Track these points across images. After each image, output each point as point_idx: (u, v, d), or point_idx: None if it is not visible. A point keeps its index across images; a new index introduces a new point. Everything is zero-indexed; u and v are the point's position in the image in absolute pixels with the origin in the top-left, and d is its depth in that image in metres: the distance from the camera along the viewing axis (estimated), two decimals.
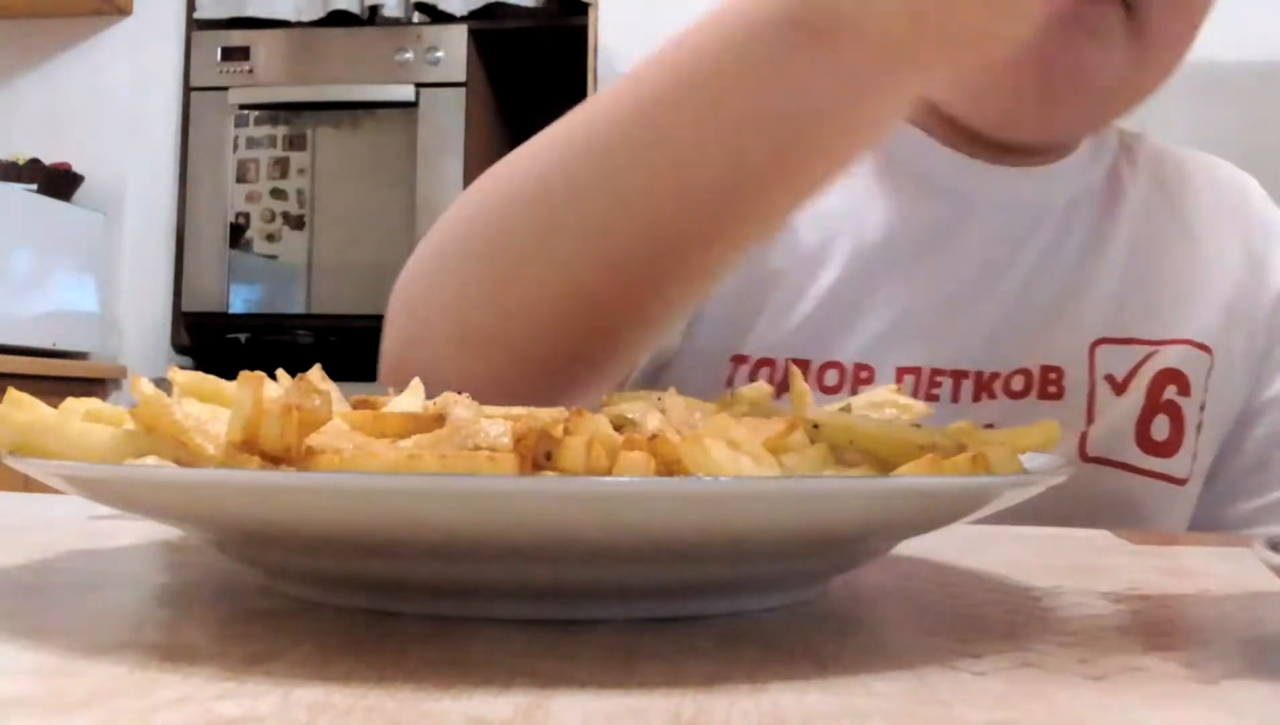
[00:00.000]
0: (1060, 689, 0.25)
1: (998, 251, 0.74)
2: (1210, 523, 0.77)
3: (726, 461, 0.29)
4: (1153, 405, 0.72)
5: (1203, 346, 0.74)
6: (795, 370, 0.44)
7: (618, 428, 0.31)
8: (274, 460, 0.30)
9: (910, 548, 0.43)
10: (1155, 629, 0.31)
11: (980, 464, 0.31)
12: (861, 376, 0.70)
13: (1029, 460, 0.36)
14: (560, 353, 0.52)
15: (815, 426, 0.33)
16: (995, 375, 0.71)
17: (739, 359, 0.72)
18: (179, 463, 0.31)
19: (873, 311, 0.72)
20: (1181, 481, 0.73)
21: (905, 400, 0.39)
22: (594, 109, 0.49)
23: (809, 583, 0.34)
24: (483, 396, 0.35)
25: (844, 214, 0.73)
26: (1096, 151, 0.78)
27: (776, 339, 0.71)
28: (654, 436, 0.29)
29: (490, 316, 0.52)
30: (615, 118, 0.48)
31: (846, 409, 0.37)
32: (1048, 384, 0.71)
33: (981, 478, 0.31)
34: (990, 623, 0.32)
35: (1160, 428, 0.72)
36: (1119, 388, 0.72)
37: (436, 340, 0.54)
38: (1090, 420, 0.71)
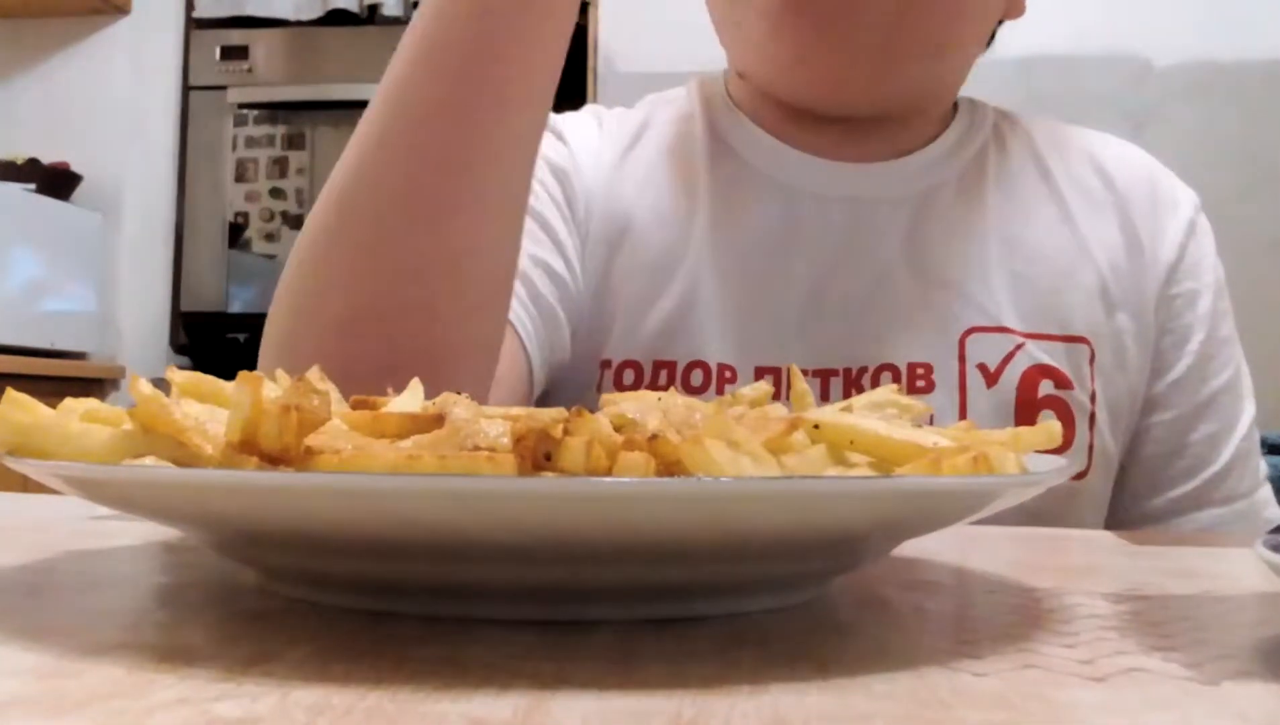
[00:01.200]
0: (1061, 690, 0.25)
1: (849, 247, 0.74)
2: (1134, 515, 0.76)
3: (726, 462, 0.29)
4: (1030, 403, 0.71)
5: (1077, 338, 0.73)
6: (794, 368, 0.44)
7: (617, 428, 0.31)
8: (273, 461, 0.30)
9: (911, 548, 0.43)
10: (1156, 630, 0.31)
11: (981, 464, 0.31)
12: (726, 376, 0.71)
13: (1030, 460, 0.36)
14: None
15: (815, 427, 0.33)
16: (863, 371, 0.71)
17: (604, 363, 0.73)
18: (177, 463, 0.31)
19: (727, 313, 0.73)
20: (1079, 475, 0.72)
21: (906, 400, 0.39)
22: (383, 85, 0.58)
23: (809, 584, 0.34)
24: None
25: (690, 217, 0.75)
26: (961, 141, 0.78)
27: (636, 342, 0.73)
28: (654, 437, 0.29)
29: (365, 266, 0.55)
30: (398, 56, 0.56)
31: (847, 409, 0.37)
32: (915, 379, 0.71)
33: (982, 478, 0.31)
34: (991, 624, 0.32)
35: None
36: (990, 378, 0.71)
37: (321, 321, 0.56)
38: (963, 416, 0.70)
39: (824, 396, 0.70)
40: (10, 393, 0.34)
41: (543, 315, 0.70)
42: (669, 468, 0.29)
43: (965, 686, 0.25)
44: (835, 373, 0.71)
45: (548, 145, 0.77)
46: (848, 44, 0.70)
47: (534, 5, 0.54)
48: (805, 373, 0.70)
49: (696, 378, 0.71)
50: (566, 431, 0.29)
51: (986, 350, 0.72)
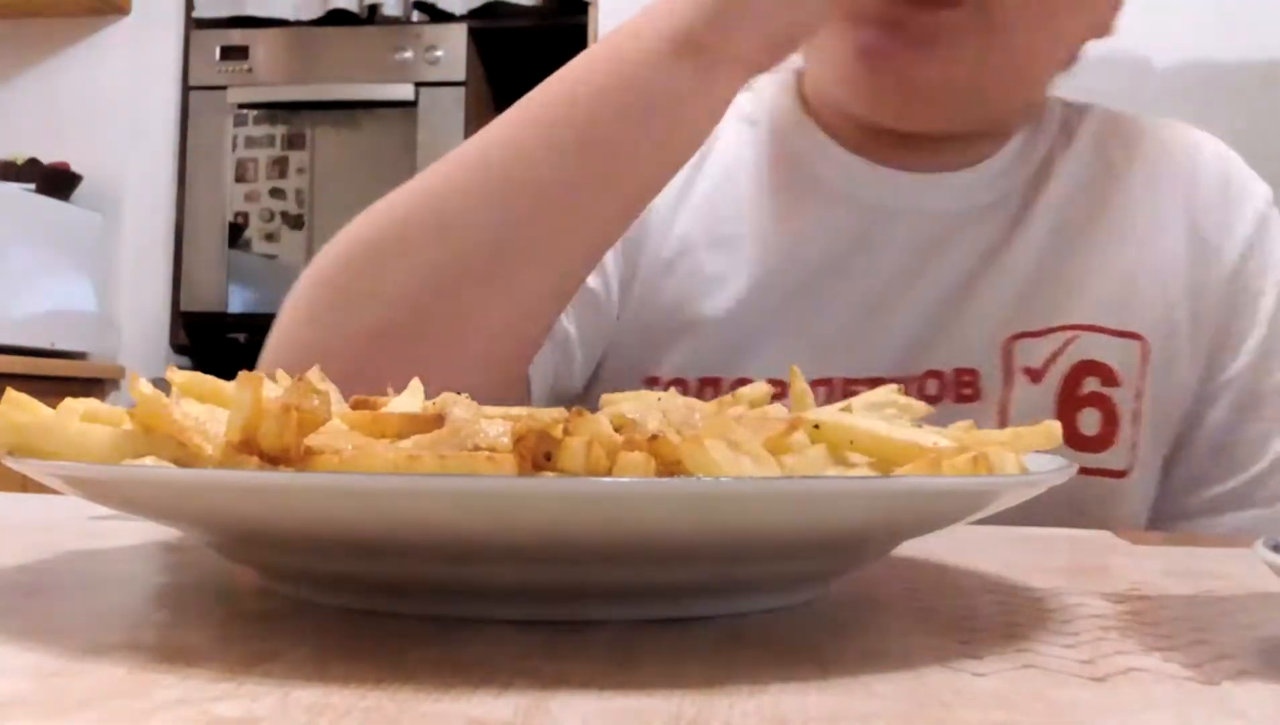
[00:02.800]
0: (1061, 690, 0.25)
1: (911, 260, 0.73)
2: (1174, 511, 0.75)
3: (727, 462, 0.29)
4: (1071, 399, 0.70)
5: (1132, 334, 0.71)
6: (795, 368, 0.44)
7: (617, 428, 0.31)
8: (272, 460, 0.29)
9: (911, 548, 0.43)
10: (1156, 630, 0.31)
11: (981, 464, 0.31)
12: (774, 392, 0.71)
13: (1030, 460, 0.36)
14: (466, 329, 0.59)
15: (816, 427, 0.33)
16: (910, 379, 0.70)
17: (651, 381, 0.73)
18: (177, 463, 0.31)
19: (780, 329, 0.72)
20: (1120, 474, 0.71)
21: (906, 400, 0.39)
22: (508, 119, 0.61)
23: (809, 584, 0.34)
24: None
25: (746, 237, 0.74)
26: (1029, 145, 0.77)
27: (686, 360, 0.73)
28: (654, 437, 0.29)
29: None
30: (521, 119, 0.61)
31: (847, 409, 0.37)
32: (962, 387, 0.70)
33: (983, 478, 0.31)
34: (991, 623, 0.32)
35: (1089, 422, 0.71)
36: (1035, 375, 0.70)
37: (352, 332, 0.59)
38: (1003, 421, 0.69)
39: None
40: (10, 393, 0.34)
41: (554, 344, 0.70)
42: (669, 468, 0.29)
43: (965, 686, 0.25)
44: (882, 382, 0.71)
45: None
46: (926, 89, 0.69)
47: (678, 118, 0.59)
48: (857, 381, 0.69)
49: None
50: (566, 431, 0.29)
51: (1033, 353, 0.71)
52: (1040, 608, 0.34)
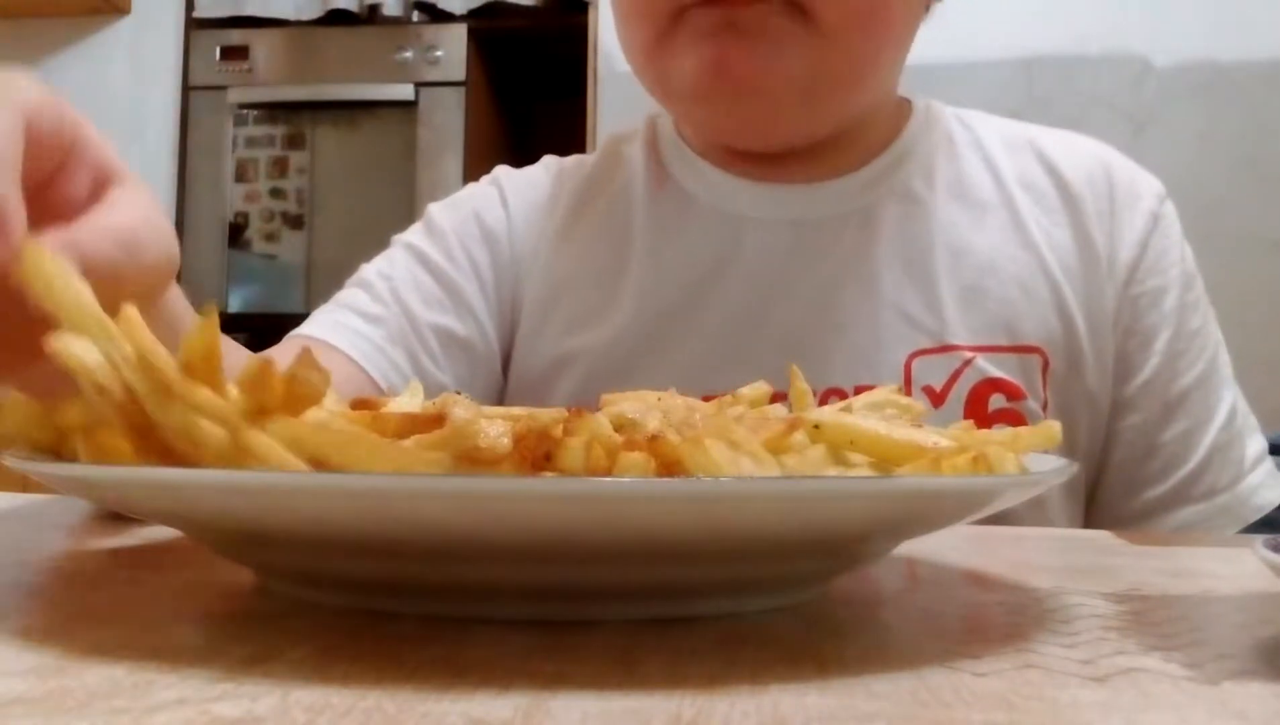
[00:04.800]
0: (1061, 690, 0.25)
1: (788, 269, 0.73)
2: (1112, 519, 0.75)
3: (727, 462, 0.29)
4: (980, 419, 0.69)
5: (1029, 348, 0.71)
6: (795, 368, 0.44)
7: (617, 428, 0.31)
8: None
9: (911, 548, 0.43)
10: (1157, 630, 0.31)
11: (981, 464, 0.31)
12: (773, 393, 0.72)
13: (1029, 461, 0.36)
14: None
15: (815, 427, 0.33)
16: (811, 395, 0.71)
17: None
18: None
19: (668, 349, 0.73)
20: None
21: (905, 401, 0.39)
22: None
23: (810, 584, 0.34)
24: None
25: (631, 264, 0.76)
26: (907, 151, 0.77)
27: (576, 391, 0.74)
28: (654, 437, 0.29)
29: None
30: None
31: (847, 409, 0.37)
32: None
33: (982, 478, 0.31)
34: (991, 624, 0.32)
35: None
36: (937, 398, 0.70)
37: None
38: None
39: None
40: (11, 393, 0.34)
41: (427, 392, 0.71)
42: (669, 468, 0.29)
43: (966, 686, 0.25)
44: (783, 397, 0.71)
45: (486, 206, 0.81)
46: (767, 99, 0.70)
47: None
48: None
49: None
50: (566, 431, 0.29)
51: (932, 371, 0.70)
52: (1040, 608, 0.34)
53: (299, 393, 0.29)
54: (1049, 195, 0.76)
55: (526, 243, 0.80)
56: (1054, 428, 0.36)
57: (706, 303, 0.74)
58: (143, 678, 0.24)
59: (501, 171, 0.86)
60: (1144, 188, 0.77)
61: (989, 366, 0.71)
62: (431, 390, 0.69)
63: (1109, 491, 0.75)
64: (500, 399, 0.79)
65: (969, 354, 0.70)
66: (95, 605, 0.33)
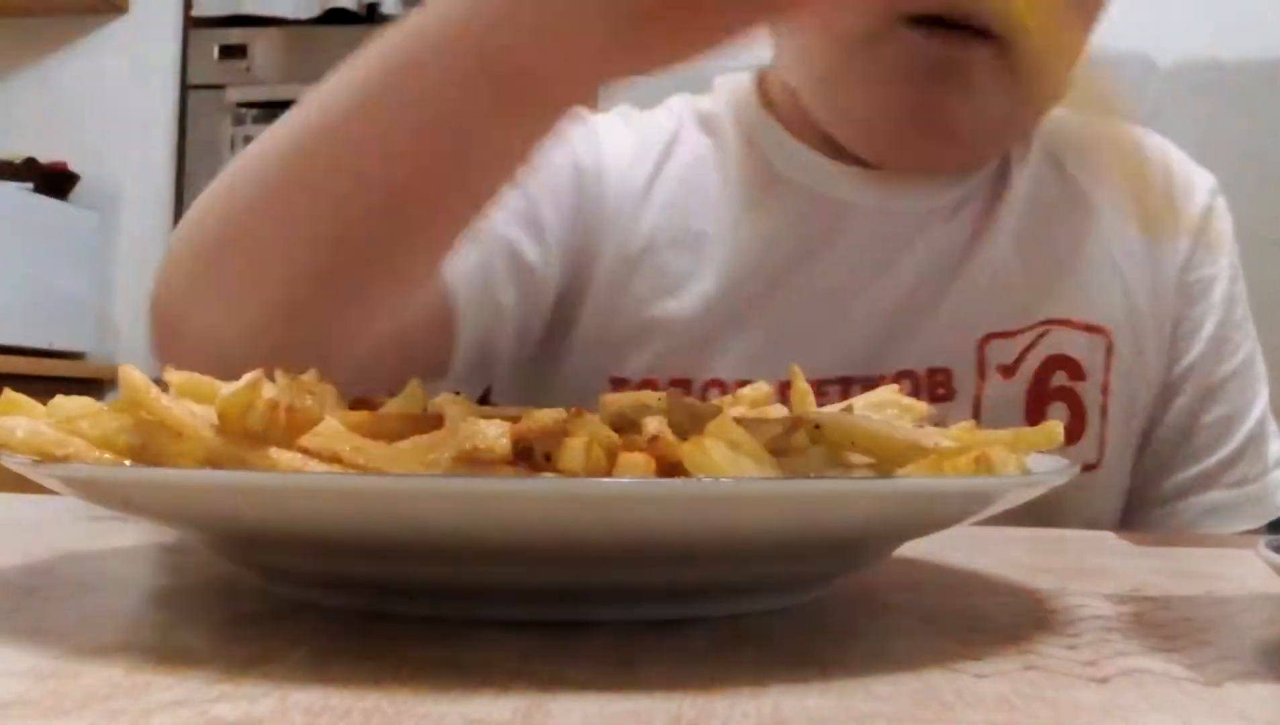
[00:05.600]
0: (1063, 691, 0.25)
1: (876, 256, 0.73)
2: (1143, 499, 0.76)
3: (727, 462, 0.29)
4: (1041, 392, 0.71)
5: (1095, 328, 0.72)
6: (795, 368, 0.44)
7: (617, 429, 0.31)
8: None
9: (912, 549, 0.43)
10: (1159, 631, 0.31)
11: (982, 465, 0.31)
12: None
13: (1030, 461, 0.36)
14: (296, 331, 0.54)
15: (816, 427, 0.33)
16: (880, 378, 0.70)
17: (618, 382, 0.72)
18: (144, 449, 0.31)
19: (749, 326, 0.72)
20: (1090, 467, 0.72)
21: (907, 401, 0.39)
22: (296, 116, 0.53)
23: (810, 585, 0.34)
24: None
25: (713, 236, 0.73)
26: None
27: (650, 361, 0.72)
28: (654, 437, 0.29)
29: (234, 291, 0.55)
30: (308, 126, 0.52)
31: (848, 410, 0.37)
32: (936, 386, 0.71)
33: (984, 479, 0.31)
34: (993, 625, 0.32)
35: (1058, 416, 0.71)
36: (1008, 371, 0.71)
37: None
38: (975, 417, 0.69)
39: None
40: (8, 393, 0.34)
41: (483, 304, 0.68)
42: (669, 468, 0.29)
43: (967, 688, 0.25)
44: (852, 381, 0.70)
45: (582, 144, 0.75)
46: (967, 143, 0.70)
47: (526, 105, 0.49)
48: (829, 381, 0.69)
49: (714, 396, 0.70)
50: (566, 432, 0.29)
51: (1006, 351, 0.71)
52: (1042, 609, 0.34)
53: (298, 420, 0.29)
54: (1114, 184, 0.76)
55: (611, 187, 0.75)
56: (1055, 428, 0.36)
57: (791, 283, 0.73)
58: (141, 679, 0.24)
59: (593, 116, 0.80)
60: (1198, 180, 0.79)
61: (1060, 342, 0.72)
62: (490, 305, 0.68)
63: (1144, 472, 0.76)
64: (556, 349, 0.74)
65: (1043, 327, 0.71)
66: (94, 605, 0.33)
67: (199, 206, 0.57)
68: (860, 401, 0.39)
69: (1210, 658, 0.28)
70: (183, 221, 0.59)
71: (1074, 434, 0.71)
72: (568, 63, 0.47)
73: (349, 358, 0.54)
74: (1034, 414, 0.71)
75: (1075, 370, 0.72)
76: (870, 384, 0.69)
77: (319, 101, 0.51)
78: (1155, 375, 0.75)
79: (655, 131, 0.79)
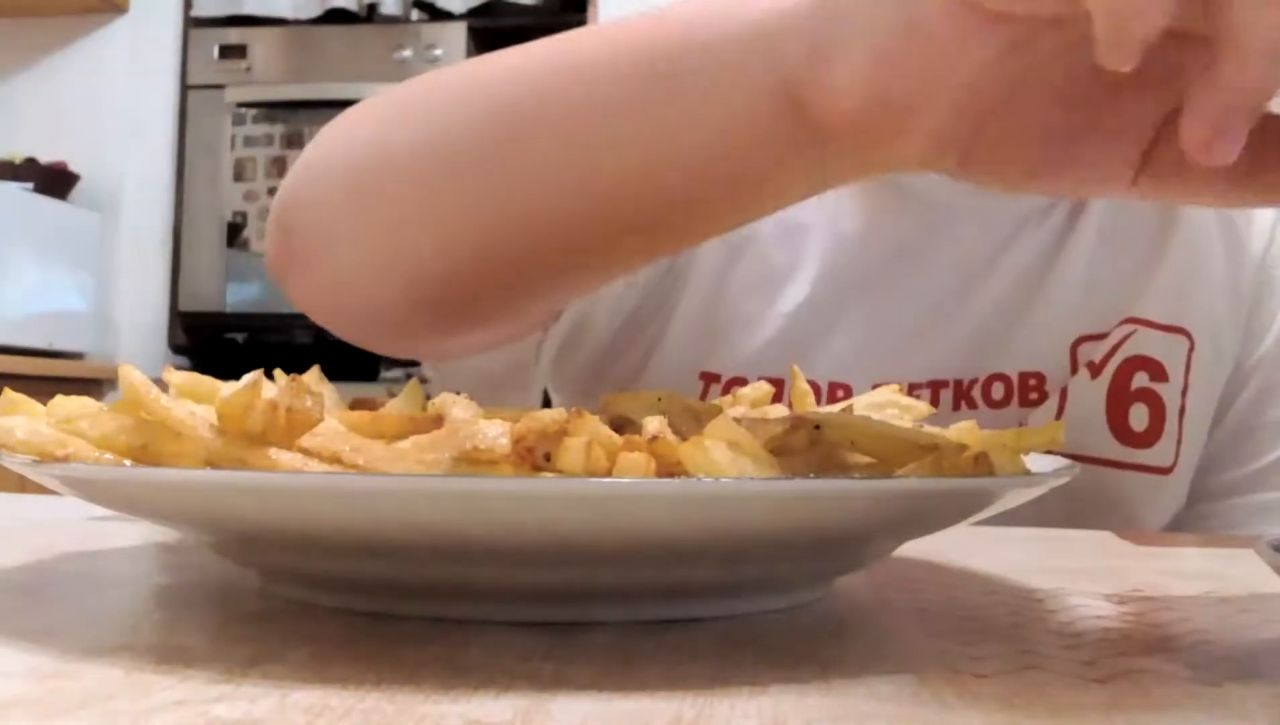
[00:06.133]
0: (1063, 691, 0.25)
1: (975, 259, 0.72)
2: (1197, 493, 0.74)
3: (727, 463, 0.29)
4: (1123, 393, 0.70)
5: (1178, 329, 0.71)
6: (795, 368, 0.44)
7: (617, 429, 0.31)
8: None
9: (912, 549, 0.43)
10: (1159, 631, 0.31)
11: (982, 465, 0.31)
12: (837, 395, 0.69)
13: (1032, 461, 0.36)
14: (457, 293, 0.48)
15: (816, 427, 0.33)
16: (974, 382, 0.69)
17: (709, 377, 0.70)
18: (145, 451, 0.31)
19: (846, 326, 0.70)
20: (1165, 471, 0.71)
21: (907, 401, 0.39)
22: (534, 68, 0.45)
23: (810, 585, 0.34)
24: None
25: (814, 228, 0.72)
26: None
27: (747, 357, 0.70)
28: (654, 437, 0.29)
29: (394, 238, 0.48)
30: (546, 89, 0.43)
31: (848, 410, 0.37)
32: (1028, 390, 0.70)
33: (984, 478, 0.31)
34: (993, 625, 0.32)
35: (1139, 417, 0.70)
36: (1095, 369, 0.70)
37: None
38: (1059, 416, 0.69)
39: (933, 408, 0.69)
40: (8, 393, 0.34)
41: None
42: (669, 468, 0.29)
43: (967, 687, 0.25)
44: (945, 384, 0.70)
45: None
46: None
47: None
48: (919, 384, 0.68)
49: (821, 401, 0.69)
50: (566, 432, 0.29)
51: (1095, 353, 0.70)
52: (1042, 609, 0.34)
53: (297, 421, 0.29)
54: None
55: None
56: (1058, 428, 0.36)
57: (888, 284, 0.71)
58: (141, 678, 0.24)
59: None
60: None
61: (1143, 343, 0.70)
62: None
63: (1200, 465, 0.74)
64: (650, 351, 0.71)
65: (1129, 327, 0.70)
66: (94, 605, 0.33)
67: (366, 124, 0.50)
68: (860, 401, 0.39)
69: (1210, 658, 0.28)
70: (333, 133, 0.51)
71: (1153, 436, 0.70)
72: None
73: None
74: (1115, 415, 0.70)
75: (1157, 371, 0.70)
76: (962, 389, 0.69)
77: (554, 60, 0.44)
78: (1228, 373, 0.74)
79: None
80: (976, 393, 0.69)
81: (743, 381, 0.69)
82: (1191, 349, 0.71)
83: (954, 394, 0.70)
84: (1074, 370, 0.70)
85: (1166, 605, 0.35)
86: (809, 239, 0.71)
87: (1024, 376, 0.70)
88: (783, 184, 0.40)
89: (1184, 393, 0.71)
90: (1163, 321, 0.71)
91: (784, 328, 0.70)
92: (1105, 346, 0.70)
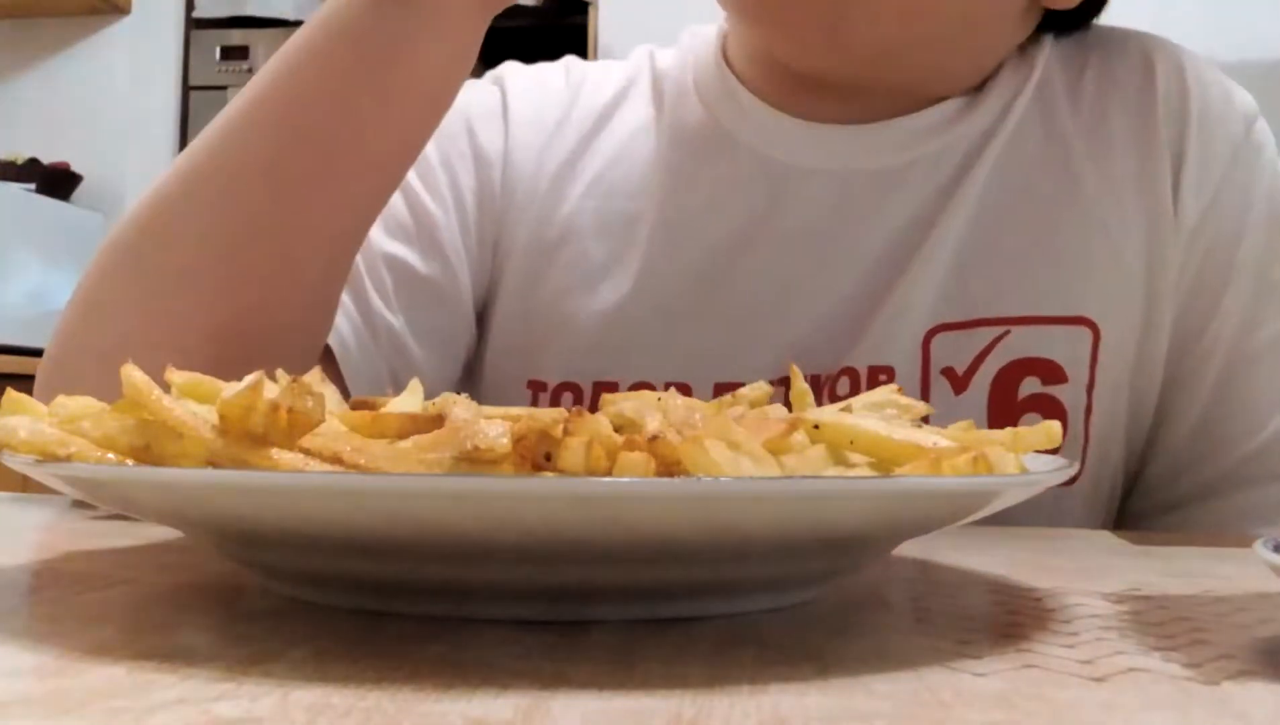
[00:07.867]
0: (1061, 690, 0.25)
1: (823, 228, 0.64)
2: (1153, 506, 0.66)
3: (726, 462, 0.29)
4: (1008, 405, 0.61)
5: (1078, 319, 0.62)
6: (795, 368, 0.44)
7: (617, 428, 0.31)
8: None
9: (911, 548, 0.43)
10: (1157, 630, 0.31)
11: (981, 464, 0.31)
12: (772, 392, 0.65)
13: (1029, 461, 0.36)
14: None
15: (815, 427, 0.33)
16: (816, 378, 0.62)
17: (537, 385, 0.67)
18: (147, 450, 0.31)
19: (679, 318, 0.65)
20: (1070, 481, 0.60)
21: (906, 400, 0.39)
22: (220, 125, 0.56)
23: (809, 584, 0.34)
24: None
25: (642, 217, 0.67)
26: (972, 104, 0.66)
27: (569, 361, 0.66)
28: (654, 437, 0.29)
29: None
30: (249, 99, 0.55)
31: (847, 409, 0.37)
32: (876, 386, 0.62)
33: (982, 478, 0.31)
34: (991, 624, 0.32)
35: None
36: (958, 383, 0.61)
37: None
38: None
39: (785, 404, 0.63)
40: (10, 393, 0.34)
41: (374, 336, 0.64)
42: (669, 468, 0.29)
43: (965, 687, 0.25)
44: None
45: (481, 118, 0.70)
46: (792, 27, 0.63)
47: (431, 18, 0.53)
48: (775, 382, 0.64)
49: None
50: (566, 431, 0.29)
51: (954, 351, 0.62)
52: (1040, 608, 0.34)
53: (299, 421, 0.29)
54: (1114, 126, 0.65)
55: (524, 170, 0.69)
56: (1054, 427, 0.36)
57: (732, 270, 0.65)
58: (142, 678, 0.24)
59: (509, 70, 0.74)
60: (1230, 109, 0.66)
61: (1027, 343, 0.61)
62: (380, 332, 0.63)
63: (1149, 482, 0.66)
64: (472, 357, 0.69)
65: (1000, 329, 0.61)
66: (95, 605, 0.33)
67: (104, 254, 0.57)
68: (859, 401, 0.39)
69: (1208, 657, 0.28)
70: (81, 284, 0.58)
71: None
72: None
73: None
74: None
75: (1051, 372, 0.61)
76: (815, 384, 0.62)
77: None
78: (1153, 367, 0.64)
79: (596, 95, 0.72)
80: (824, 392, 0.62)
81: (574, 387, 0.65)
82: (1097, 339, 0.62)
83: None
84: (925, 368, 0.62)
85: (1164, 604, 0.35)
86: (635, 229, 0.67)
87: (873, 371, 0.62)
88: (428, 55, 0.54)
89: (1089, 389, 0.62)
90: (1057, 312, 0.62)
91: (605, 327, 0.65)
92: (967, 349, 0.62)
